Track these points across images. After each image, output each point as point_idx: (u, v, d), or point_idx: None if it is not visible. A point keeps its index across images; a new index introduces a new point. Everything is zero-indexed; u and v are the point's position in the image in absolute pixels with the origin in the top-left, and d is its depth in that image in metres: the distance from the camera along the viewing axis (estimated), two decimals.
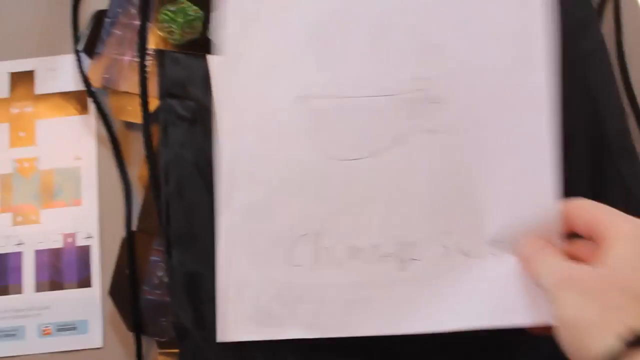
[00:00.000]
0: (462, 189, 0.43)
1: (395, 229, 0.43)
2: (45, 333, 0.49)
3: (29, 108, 0.55)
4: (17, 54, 0.56)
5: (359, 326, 0.42)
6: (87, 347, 0.49)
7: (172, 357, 0.47)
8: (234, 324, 0.43)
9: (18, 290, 0.50)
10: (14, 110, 0.55)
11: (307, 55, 0.45)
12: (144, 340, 0.48)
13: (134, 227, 0.51)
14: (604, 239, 0.37)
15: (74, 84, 0.55)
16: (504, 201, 0.42)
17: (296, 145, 0.44)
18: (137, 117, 0.52)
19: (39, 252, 0.51)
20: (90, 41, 0.55)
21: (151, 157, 0.50)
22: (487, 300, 0.41)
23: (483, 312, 0.41)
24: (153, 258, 0.50)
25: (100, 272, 0.51)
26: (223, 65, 0.47)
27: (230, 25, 0.47)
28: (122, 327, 0.49)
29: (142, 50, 0.53)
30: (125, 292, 0.49)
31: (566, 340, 0.36)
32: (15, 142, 0.54)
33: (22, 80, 0.55)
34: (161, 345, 0.48)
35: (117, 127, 0.54)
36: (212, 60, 0.48)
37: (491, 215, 0.42)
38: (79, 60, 0.55)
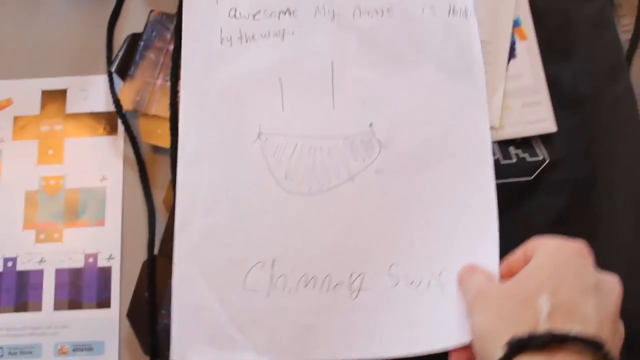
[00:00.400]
0: (409, 225, 0.48)
1: (346, 260, 0.47)
2: (61, 352, 0.49)
3: (59, 126, 0.55)
4: (50, 72, 0.57)
5: (311, 351, 0.45)
6: None
7: None
8: (188, 344, 0.46)
9: (38, 308, 0.50)
10: (44, 127, 0.55)
11: (268, 94, 0.51)
12: None
13: (155, 251, 0.51)
14: (531, 255, 0.40)
15: (104, 104, 0.56)
16: (448, 238, 0.47)
17: (255, 177, 0.49)
18: (165, 142, 0.52)
19: (59, 271, 0.51)
20: (124, 63, 0.55)
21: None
22: (433, 327, 0.45)
23: (429, 338, 0.45)
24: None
25: (119, 293, 0.51)
26: (187, 98, 0.51)
27: (194, 60, 0.52)
28: (139, 350, 0.49)
29: (174, 75, 0.54)
30: (144, 315, 0.49)
31: (475, 350, 0.40)
32: (43, 159, 0.54)
33: (53, 98, 0.56)
34: None
35: (145, 150, 0.54)
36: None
37: (435, 250, 0.47)
38: (111, 82, 0.55)
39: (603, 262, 0.47)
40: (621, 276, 0.46)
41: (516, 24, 0.54)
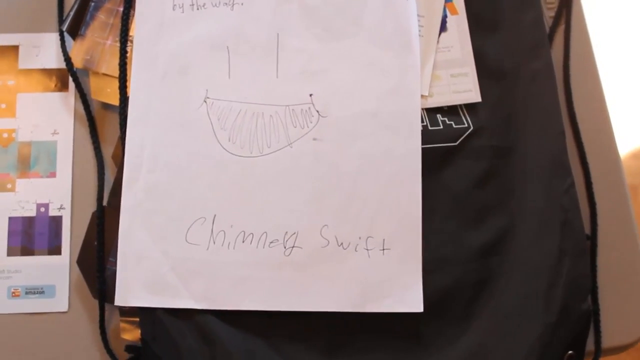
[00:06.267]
0: (340, 190, 0.52)
1: (281, 220, 0.51)
2: (14, 295, 0.53)
3: (11, 81, 0.57)
4: (2, 29, 0.59)
5: (245, 301, 0.50)
6: (53, 311, 0.53)
7: (133, 324, 0.51)
8: (131, 290, 0.50)
9: None
10: None
11: (215, 61, 0.54)
12: (108, 307, 0.52)
13: (104, 203, 0.54)
14: None
15: (56, 61, 0.58)
16: (375, 204, 0.52)
17: (200, 139, 0.53)
18: (115, 99, 0.55)
19: (12, 219, 0.54)
20: (75, 22, 0.57)
21: (125, 138, 0.54)
22: (358, 288, 0.50)
23: (353, 298, 0.50)
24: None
25: (69, 241, 0.54)
26: (138, 60, 0.55)
27: (146, 25, 0.56)
28: (88, 294, 0.53)
29: (124, 36, 0.56)
30: (93, 262, 0.52)
31: None
32: None
33: (6, 54, 0.58)
34: (123, 313, 0.52)
35: (95, 107, 0.57)
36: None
37: (363, 216, 0.51)
38: (62, 40, 0.57)
39: (518, 224, 0.52)
40: (534, 234, 0.52)
41: None
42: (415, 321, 0.50)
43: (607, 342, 0.53)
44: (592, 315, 0.53)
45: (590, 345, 0.52)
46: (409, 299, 0.50)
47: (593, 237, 0.54)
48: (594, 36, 0.62)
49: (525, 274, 0.51)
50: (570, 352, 0.50)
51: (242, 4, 0.56)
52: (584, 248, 0.53)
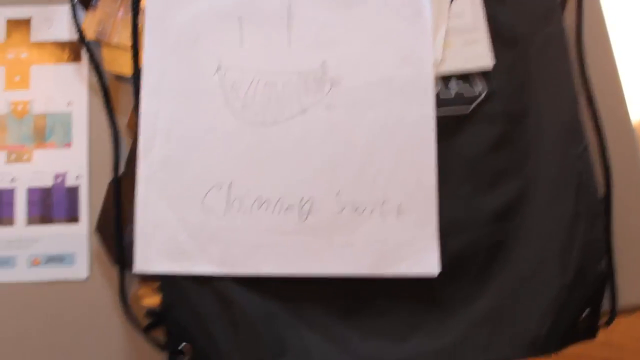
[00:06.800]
0: (355, 157, 0.52)
1: (297, 186, 0.52)
2: (34, 263, 0.53)
3: (24, 54, 0.58)
4: (14, 0, 0.59)
5: (262, 266, 0.51)
6: (73, 278, 0.53)
7: (153, 289, 0.52)
8: (150, 257, 0.51)
9: (10, 223, 0.54)
10: (10, 55, 0.58)
11: (228, 31, 0.54)
12: (127, 274, 0.53)
13: (121, 172, 0.54)
14: None
15: (68, 33, 0.58)
16: (390, 170, 0.52)
17: (214, 108, 0.53)
18: (127, 70, 0.55)
19: (30, 190, 0.55)
20: None
21: (139, 108, 0.54)
22: (374, 252, 0.51)
23: (369, 262, 0.51)
24: None
25: (88, 210, 0.55)
26: (150, 32, 0.55)
27: None
28: (107, 261, 0.53)
29: (135, 7, 0.56)
30: (111, 229, 0.53)
31: None
32: (10, 85, 0.57)
33: (18, 27, 0.58)
34: (142, 280, 0.52)
35: (108, 78, 0.57)
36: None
37: (378, 181, 0.52)
38: (74, 12, 0.57)
39: (533, 188, 0.53)
40: (547, 199, 0.52)
41: None
42: (431, 284, 0.51)
43: (622, 302, 0.53)
44: (608, 276, 0.53)
45: (606, 306, 0.53)
46: (424, 262, 0.50)
47: (607, 200, 0.55)
48: (605, 1, 0.62)
49: (541, 237, 0.52)
50: (586, 311, 0.51)
51: None
52: (599, 211, 0.53)
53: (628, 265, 0.54)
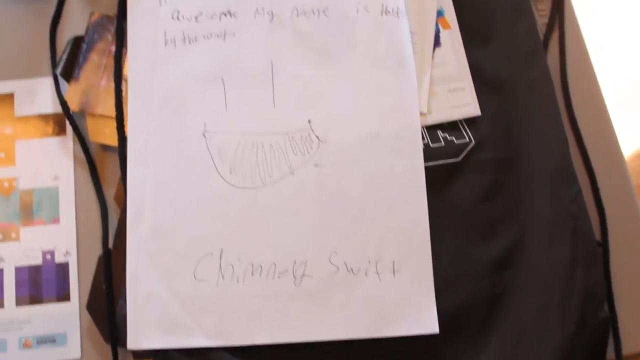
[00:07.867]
0: (346, 215, 0.51)
1: (289, 249, 0.51)
2: (26, 345, 0.52)
3: (8, 129, 0.57)
4: None
5: (257, 335, 0.49)
6: (66, 358, 0.52)
7: None
8: (142, 332, 0.49)
9: (0, 305, 0.53)
10: None
11: (211, 94, 0.54)
12: (120, 351, 0.51)
13: (110, 245, 0.54)
14: None
15: (52, 106, 0.58)
16: (382, 226, 0.51)
17: (201, 173, 0.52)
18: (113, 140, 0.55)
19: (19, 269, 0.54)
20: (68, 66, 0.57)
21: (126, 178, 0.54)
22: (371, 313, 0.50)
23: (367, 324, 0.49)
24: None
25: (78, 287, 0.54)
26: (134, 98, 0.54)
27: (140, 62, 0.55)
28: (100, 339, 0.52)
29: (118, 75, 0.56)
30: (102, 306, 0.52)
31: None
32: None
33: (2, 102, 0.58)
34: (136, 356, 0.51)
35: (94, 149, 0.57)
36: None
37: (372, 238, 0.51)
38: (57, 84, 0.57)
39: (528, 234, 0.52)
40: (545, 245, 0.51)
41: (440, 14, 0.58)
42: (431, 342, 0.50)
43: (627, 348, 0.52)
44: (611, 323, 0.52)
45: (610, 353, 0.51)
46: (423, 320, 0.49)
47: (604, 243, 0.54)
48: (589, 39, 0.62)
49: (539, 286, 0.51)
50: None
51: (234, 34, 0.55)
52: (596, 255, 0.52)
53: (630, 309, 0.53)
